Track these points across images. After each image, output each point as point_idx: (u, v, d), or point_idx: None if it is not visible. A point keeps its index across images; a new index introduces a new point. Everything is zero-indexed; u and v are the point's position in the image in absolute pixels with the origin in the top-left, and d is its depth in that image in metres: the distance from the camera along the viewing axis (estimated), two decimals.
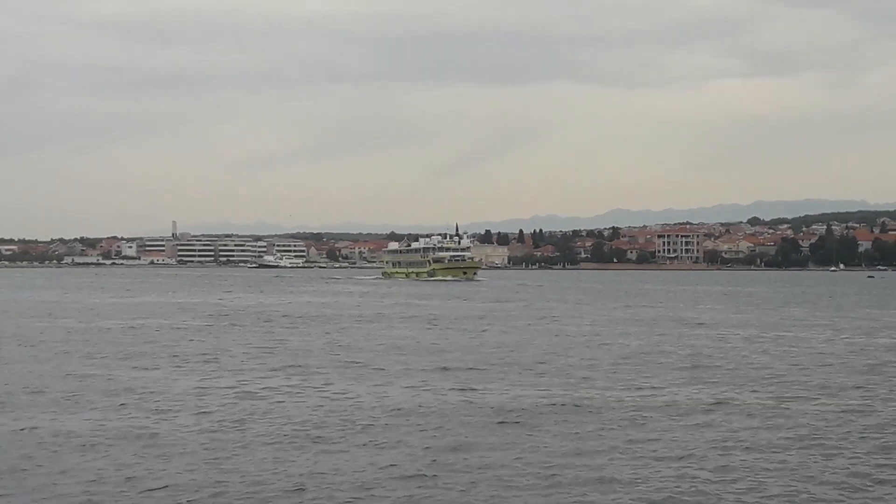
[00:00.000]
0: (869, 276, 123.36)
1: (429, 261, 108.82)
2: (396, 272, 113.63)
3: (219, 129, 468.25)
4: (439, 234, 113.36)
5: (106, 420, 11.22)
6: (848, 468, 9.06)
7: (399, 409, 12.05)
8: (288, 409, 12.10)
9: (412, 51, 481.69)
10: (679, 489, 8.22)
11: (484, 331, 27.57)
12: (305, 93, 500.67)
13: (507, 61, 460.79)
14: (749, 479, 8.73)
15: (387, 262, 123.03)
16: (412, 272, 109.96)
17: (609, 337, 25.02)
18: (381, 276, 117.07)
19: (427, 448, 9.73)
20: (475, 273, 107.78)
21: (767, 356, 20.18)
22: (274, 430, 10.58)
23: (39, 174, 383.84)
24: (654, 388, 14.49)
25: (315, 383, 14.91)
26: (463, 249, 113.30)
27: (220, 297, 55.80)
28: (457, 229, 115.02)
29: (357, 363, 18.14)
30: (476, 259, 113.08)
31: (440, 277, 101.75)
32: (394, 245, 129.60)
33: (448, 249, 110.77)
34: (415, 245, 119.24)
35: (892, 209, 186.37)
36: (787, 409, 12.50)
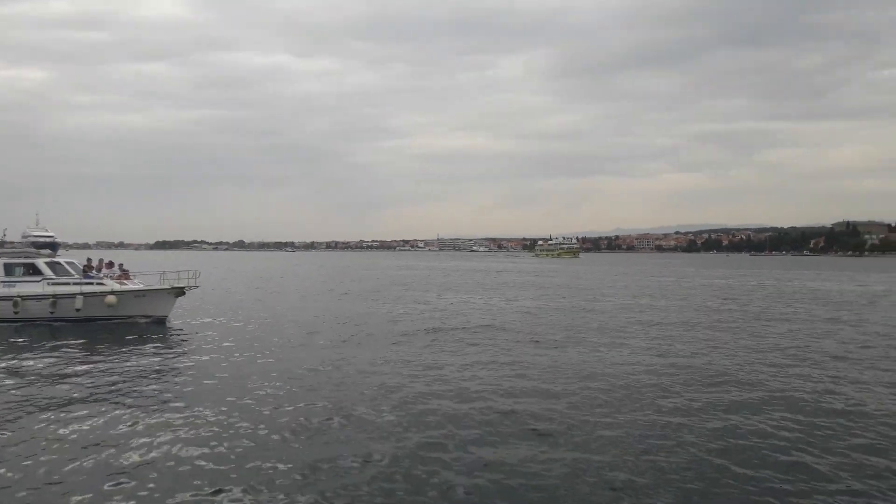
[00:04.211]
0: (727, 256, 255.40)
1: (557, 248, 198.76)
2: (542, 254, 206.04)
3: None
4: (563, 237, 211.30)
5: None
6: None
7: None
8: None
9: (537, 161, 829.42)
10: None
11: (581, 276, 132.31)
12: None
13: (573, 167, 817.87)
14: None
15: (537, 250, 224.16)
16: (550, 254, 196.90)
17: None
18: (535, 256, 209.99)
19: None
20: (577, 255, 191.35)
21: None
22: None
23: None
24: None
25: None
26: (573, 245, 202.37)
27: (460, 262, 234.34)
28: (550, 237, 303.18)
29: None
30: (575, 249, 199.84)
31: (562, 257, 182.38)
32: (541, 242, 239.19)
33: (565, 244, 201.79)
34: (550, 242, 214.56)
35: (738, 227, 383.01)
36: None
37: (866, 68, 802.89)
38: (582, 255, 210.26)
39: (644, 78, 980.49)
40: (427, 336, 22.28)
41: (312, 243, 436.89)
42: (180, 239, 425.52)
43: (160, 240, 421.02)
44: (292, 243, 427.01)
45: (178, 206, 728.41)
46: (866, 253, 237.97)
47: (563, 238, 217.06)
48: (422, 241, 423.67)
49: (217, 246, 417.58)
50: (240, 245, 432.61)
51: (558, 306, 34.38)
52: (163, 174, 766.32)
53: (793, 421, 11.64)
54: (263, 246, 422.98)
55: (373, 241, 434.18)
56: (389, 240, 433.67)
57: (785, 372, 16.25)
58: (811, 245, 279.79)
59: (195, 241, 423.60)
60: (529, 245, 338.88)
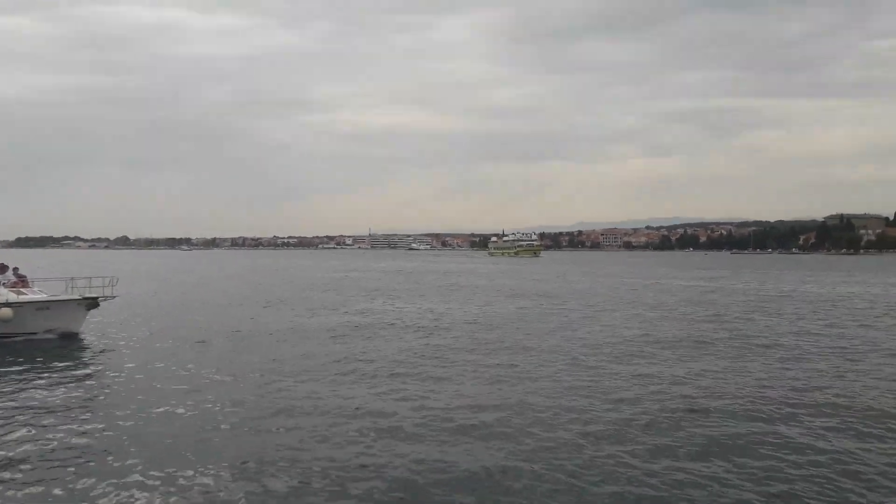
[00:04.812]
0: (704, 254, 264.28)
1: (515, 246, 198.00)
2: (496, 252, 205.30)
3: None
4: (520, 232, 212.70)
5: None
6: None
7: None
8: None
9: (486, 142, 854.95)
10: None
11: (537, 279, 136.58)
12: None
13: (527, 149, 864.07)
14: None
15: (491, 248, 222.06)
16: (506, 252, 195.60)
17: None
18: (489, 254, 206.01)
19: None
20: (538, 254, 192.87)
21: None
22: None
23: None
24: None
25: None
26: (533, 241, 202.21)
27: (408, 263, 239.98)
28: (503, 232, 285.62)
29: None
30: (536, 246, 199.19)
31: (521, 255, 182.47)
32: (494, 238, 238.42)
33: (524, 241, 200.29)
34: (505, 239, 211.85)
35: (717, 221, 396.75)
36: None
37: (860, 38, 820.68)
38: (542, 254, 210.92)
39: (608, 46, 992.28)
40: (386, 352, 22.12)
41: (214, 240, 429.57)
42: (48, 235, 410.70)
43: (22, 236, 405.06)
44: (189, 240, 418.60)
45: (44, 195, 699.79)
46: (862, 251, 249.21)
47: (523, 234, 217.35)
48: (350, 237, 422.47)
49: (94, 243, 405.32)
50: (123, 242, 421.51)
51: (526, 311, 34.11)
52: (26, 156, 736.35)
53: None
54: (152, 243, 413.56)
55: (289, 237, 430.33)
56: (310, 236, 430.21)
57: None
58: (801, 241, 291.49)
59: (67, 238, 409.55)
60: (479, 242, 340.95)
